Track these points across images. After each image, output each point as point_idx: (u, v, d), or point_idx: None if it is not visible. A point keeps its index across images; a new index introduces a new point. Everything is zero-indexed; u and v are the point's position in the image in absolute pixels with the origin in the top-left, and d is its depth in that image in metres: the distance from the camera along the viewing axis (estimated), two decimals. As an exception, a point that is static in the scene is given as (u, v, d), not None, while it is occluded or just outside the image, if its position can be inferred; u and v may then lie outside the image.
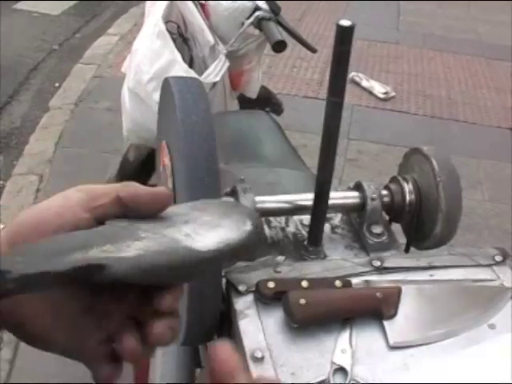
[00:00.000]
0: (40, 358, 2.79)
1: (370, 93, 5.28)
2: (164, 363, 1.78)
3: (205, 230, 0.65)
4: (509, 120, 5.11)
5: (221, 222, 0.67)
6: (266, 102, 3.07)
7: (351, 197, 1.56)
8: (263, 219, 1.53)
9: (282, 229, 1.56)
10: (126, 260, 0.59)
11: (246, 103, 2.81)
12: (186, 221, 0.66)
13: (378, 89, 5.29)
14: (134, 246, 0.61)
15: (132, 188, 0.63)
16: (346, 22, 1.23)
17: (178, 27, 2.56)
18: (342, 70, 1.26)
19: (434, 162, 1.52)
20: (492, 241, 3.60)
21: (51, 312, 0.63)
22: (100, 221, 0.63)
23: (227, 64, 2.40)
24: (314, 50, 2.58)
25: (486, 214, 3.94)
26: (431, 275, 1.36)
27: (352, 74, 5.26)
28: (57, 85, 5.13)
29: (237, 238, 0.66)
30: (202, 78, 2.25)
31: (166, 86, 1.40)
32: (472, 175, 4.24)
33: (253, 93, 2.75)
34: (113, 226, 0.63)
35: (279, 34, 2.26)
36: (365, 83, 5.31)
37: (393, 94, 5.30)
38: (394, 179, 1.59)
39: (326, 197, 1.42)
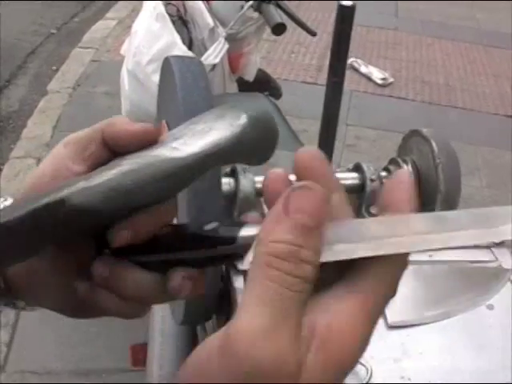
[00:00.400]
0: (37, 341, 2.81)
1: (369, 79, 5.27)
2: (162, 345, 1.79)
3: (195, 139, 0.57)
4: (507, 107, 5.11)
5: (214, 125, 0.59)
6: (265, 85, 3.07)
7: (350, 178, 1.55)
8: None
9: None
10: (89, 189, 0.54)
11: (244, 86, 2.80)
12: (177, 137, 0.58)
13: (377, 75, 5.28)
14: (105, 174, 0.54)
15: (116, 129, 0.58)
16: (347, 2, 1.23)
17: (178, 10, 2.56)
18: (343, 49, 1.27)
19: (434, 144, 1.52)
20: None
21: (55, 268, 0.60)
22: (97, 167, 0.58)
23: (226, 46, 2.40)
24: (313, 34, 2.57)
25: (484, 200, 3.94)
26: (430, 256, 1.37)
27: (350, 60, 5.24)
28: (54, 68, 5.12)
29: (229, 135, 0.58)
30: (201, 60, 2.25)
31: (167, 65, 1.39)
32: (470, 162, 4.24)
33: (250, 75, 2.74)
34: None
35: (279, 16, 2.25)
36: (363, 69, 5.30)
37: (391, 80, 5.29)
38: (393, 161, 1.59)
39: (326, 177, 1.42)
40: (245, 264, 0.51)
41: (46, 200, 0.53)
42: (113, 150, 0.58)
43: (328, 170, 0.52)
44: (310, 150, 0.52)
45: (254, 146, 0.60)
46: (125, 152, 0.57)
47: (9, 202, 0.61)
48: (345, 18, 1.22)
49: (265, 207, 0.52)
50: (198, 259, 0.57)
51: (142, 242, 0.57)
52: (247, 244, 0.52)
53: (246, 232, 0.54)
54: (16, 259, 0.56)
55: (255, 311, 0.43)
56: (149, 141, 0.57)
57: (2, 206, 0.60)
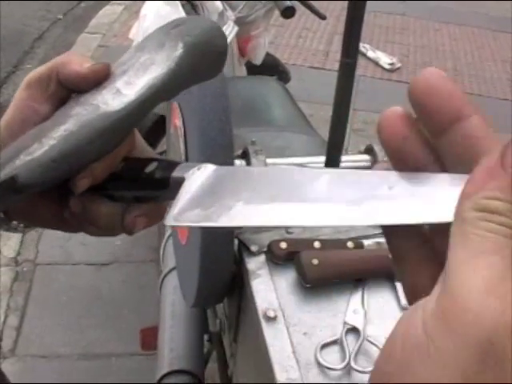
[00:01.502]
0: (46, 326, 2.82)
1: (376, 63, 5.25)
2: (172, 327, 1.79)
3: (137, 77, 0.58)
4: (515, 92, 5.10)
5: (155, 57, 0.59)
6: (274, 69, 3.06)
7: (362, 160, 1.55)
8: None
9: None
10: (34, 162, 0.55)
11: (253, 70, 2.79)
12: (124, 70, 0.59)
13: (384, 60, 5.26)
14: (46, 141, 0.55)
15: (67, 70, 0.59)
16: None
17: (187, -7, 2.55)
18: (356, 30, 1.26)
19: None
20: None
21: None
22: (61, 104, 0.60)
23: (235, 30, 2.39)
24: (323, 17, 2.56)
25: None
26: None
27: (358, 45, 5.23)
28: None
29: (165, 72, 0.57)
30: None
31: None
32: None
33: (258, 59, 2.73)
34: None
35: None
36: (371, 54, 5.28)
37: (399, 65, 5.27)
38: (404, 143, 1.59)
39: (338, 159, 1.42)
40: (168, 220, 0.51)
41: None
42: (69, 88, 0.60)
43: (456, 90, 0.41)
44: (430, 68, 0.42)
45: (195, 72, 0.60)
46: (78, 88, 0.59)
47: None
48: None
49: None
50: (143, 197, 0.62)
51: (103, 180, 0.60)
52: (177, 186, 0.54)
53: (177, 173, 0.56)
54: None
55: (479, 263, 0.34)
56: (99, 80, 0.58)
57: None
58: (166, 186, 0.57)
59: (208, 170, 0.54)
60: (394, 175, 0.43)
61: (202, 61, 0.60)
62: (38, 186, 0.56)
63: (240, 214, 0.47)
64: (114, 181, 0.61)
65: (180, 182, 0.54)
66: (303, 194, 0.45)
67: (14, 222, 0.65)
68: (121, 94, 0.57)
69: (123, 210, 0.61)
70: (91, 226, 0.63)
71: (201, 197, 0.52)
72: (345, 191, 0.44)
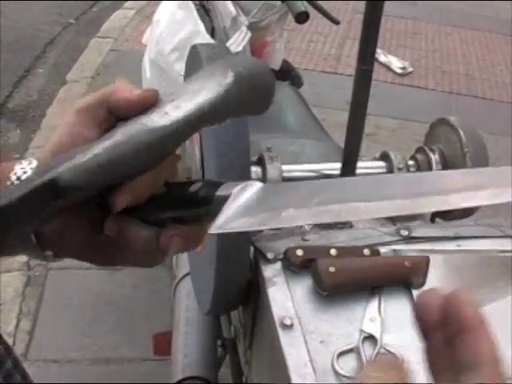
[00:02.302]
0: (58, 330, 2.82)
1: (388, 68, 5.24)
2: (186, 333, 1.79)
3: (186, 102, 0.59)
4: (527, 97, 5.08)
5: (205, 84, 0.60)
6: (287, 74, 3.05)
7: (378, 167, 1.55)
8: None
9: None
10: (78, 166, 0.56)
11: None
12: (173, 98, 0.60)
13: (396, 64, 5.25)
14: (92, 150, 0.57)
15: (117, 98, 0.60)
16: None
17: (200, -2, 2.55)
18: (373, 35, 1.26)
19: (461, 133, 1.51)
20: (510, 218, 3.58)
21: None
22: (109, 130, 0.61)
23: (249, 35, 2.39)
24: (336, 22, 2.55)
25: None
26: (458, 245, 1.36)
27: (369, 50, 5.21)
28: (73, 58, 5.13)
29: (213, 96, 0.58)
30: (223, 49, 2.24)
31: (194, 52, 1.39)
32: (490, 152, 4.18)
33: (276, 64, 2.73)
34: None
35: (302, 4, 2.24)
36: (382, 58, 5.27)
37: (410, 69, 5.27)
38: (420, 149, 1.58)
39: (354, 166, 1.41)
40: (213, 228, 0.55)
41: (38, 182, 0.56)
42: (118, 115, 0.61)
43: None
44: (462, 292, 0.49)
45: (243, 101, 0.61)
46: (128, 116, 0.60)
47: (34, 164, 0.63)
48: (375, 1, 1.21)
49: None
50: (185, 217, 0.62)
51: (143, 201, 0.61)
52: (222, 202, 0.57)
53: (221, 192, 0.58)
54: (18, 235, 0.60)
55: None
56: (148, 106, 0.60)
57: (28, 170, 0.63)
58: (209, 203, 0.58)
59: (255, 186, 0.57)
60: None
61: (250, 92, 0.61)
62: (79, 190, 0.57)
63: (290, 216, 0.51)
64: (154, 202, 0.62)
65: (225, 198, 0.55)
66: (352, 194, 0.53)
67: (47, 252, 0.65)
68: (168, 115, 0.58)
69: (158, 232, 0.61)
70: (125, 252, 0.63)
71: (248, 207, 0.53)
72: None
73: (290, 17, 2.39)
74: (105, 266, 0.67)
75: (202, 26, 2.35)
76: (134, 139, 0.57)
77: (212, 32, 2.47)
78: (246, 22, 2.41)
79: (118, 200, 0.59)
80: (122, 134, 0.57)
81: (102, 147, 0.57)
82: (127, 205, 0.59)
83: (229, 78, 0.59)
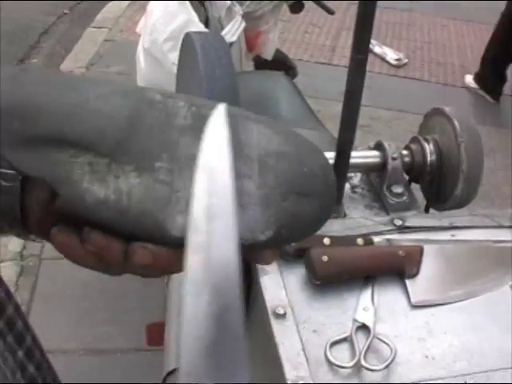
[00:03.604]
0: (51, 320, 2.81)
1: (383, 59, 5.24)
2: (179, 324, 1.78)
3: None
4: (522, 88, 5.07)
5: (250, 204, 0.56)
6: (281, 64, 3.06)
7: (372, 156, 1.54)
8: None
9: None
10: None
11: (260, 65, 2.79)
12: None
13: (391, 55, 5.25)
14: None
15: None
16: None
17: (194, -12, 2.54)
18: (367, 25, 1.25)
19: (456, 123, 1.51)
20: (505, 209, 3.58)
21: None
22: None
23: (243, 24, 2.39)
24: (331, 12, 2.55)
25: (499, 182, 3.92)
26: (453, 235, 1.35)
27: (365, 41, 5.20)
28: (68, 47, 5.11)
29: (241, 238, 0.52)
30: (218, 39, 2.24)
31: (188, 41, 1.38)
32: (485, 143, 4.19)
33: (269, 54, 2.73)
34: None
35: (297, -6, 2.24)
36: (377, 49, 5.27)
37: (405, 60, 5.27)
38: (414, 139, 1.58)
39: (348, 155, 1.41)
40: None
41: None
42: None
43: None
44: None
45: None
46: None
47: None
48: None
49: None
50: None
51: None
52: None
53: None
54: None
55: None
56: None
57: None
58: None
59: None
60: None
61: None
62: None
63: None
64: None
65: None
66: None
67: (31, 236, 0.65)
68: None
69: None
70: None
71: None
72: None
73: (286, 7, 2.39)
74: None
75: (195, 16, 2.34)
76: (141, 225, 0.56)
77: (206, 22, 2.46)
78: (241, 12, 2.41)
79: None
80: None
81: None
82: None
83: (266, 234, 0.57)
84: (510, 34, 4.74)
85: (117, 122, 0.56)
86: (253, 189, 0.57)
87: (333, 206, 0.60)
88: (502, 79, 4.92)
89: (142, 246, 0.56)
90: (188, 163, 0.56)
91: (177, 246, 0.55)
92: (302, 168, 0.59)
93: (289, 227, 0.58)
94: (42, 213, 0.60)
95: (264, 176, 0.58)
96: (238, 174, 0.56)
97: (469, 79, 5.05)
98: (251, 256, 0.58)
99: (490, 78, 4.92)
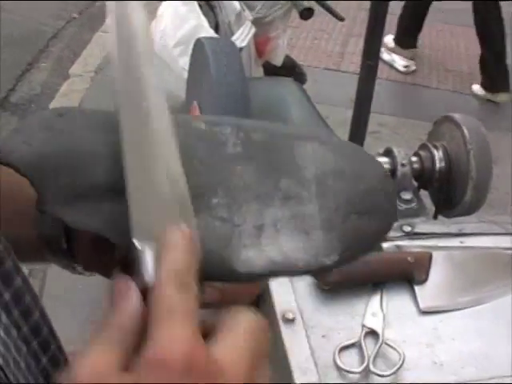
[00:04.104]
0: (60, 322, 2.81)
1: (391, 66, 5.24)
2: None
3: (288, 232, 0.55)
4: (530, 96, 5.06)
5: (313, 228, 0.55)
6: (290, 70, 3.06)
7: (382, 162, 1.55)
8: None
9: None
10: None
11: (270, 71, 2.79)
12: (287, 197, 0.56)
13: (399, 62, 5.24)
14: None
15: None
16: (383, -16, 1.22)
17: (204, -7, 2.55)
18: (378, 32, 1.26)
19: (465, 130, 1.51)
20: (512, 216, 3.57)
21: None
22: None
23: (253, 30, 2.39)
24: (341, 18, 2.55)
25: (507, 188, 3.91)
26: (461, 242, 1.36)
27: (373, 47, 5.20)
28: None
29: (308, 265, 0.54)
30: (228, 44, 2.24)
31: (199, 46, 1.39)
32: (493, 150, 4.19)
33: (278, 60, 2.73)
34: None
35: (306, 1, 2.24)
36: (386, 56, 5.26)
37: (414, 67, 5.26)
38: (423, 146, 1.58)
39: (357, 161, 1.41)
40: None
41: None
42: None
43: None
44: None
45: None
46: None
47: None
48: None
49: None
50: None
51: None
52: None
53: None
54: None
55: None
56: None
57: None
58: None
59: None
60: None
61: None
62: None
63: None
64: None
65: None
66: None
67: (78, 266, 0.64)
68: (254, 248, 0.55)
69: None
70: None
71: None
72: None
73: (295, 13, 2.39)
74: None
75: (205, 21, 2.35)
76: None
77: (216, 27, 2.47)
78: (251, 18, 2.41)
79: None
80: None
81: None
82: None
83: (331, 258, 0.56)
84: None
85: None
86: (314, 212, 0.56)
87: (395, 218, 0.60)
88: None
89: (210, 285, 0.55)
90: (245, 195, 0.56)
91: (243, 280, 0.55)
92: (360, 185, 0.58)
93: (352, 248, 0.57)
94: (92, 247, 0.60)
95: (323, 198, 0.57)
96: (298, 199, 0.56)
97: (476, 88, 5.05)
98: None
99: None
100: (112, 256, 0.59)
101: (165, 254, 0.46)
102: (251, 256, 0.53)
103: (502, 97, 4.89)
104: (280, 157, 0.57)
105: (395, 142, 4.16)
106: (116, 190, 0.53)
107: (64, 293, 2.96)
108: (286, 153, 0.57)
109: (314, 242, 0.56)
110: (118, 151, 0.53)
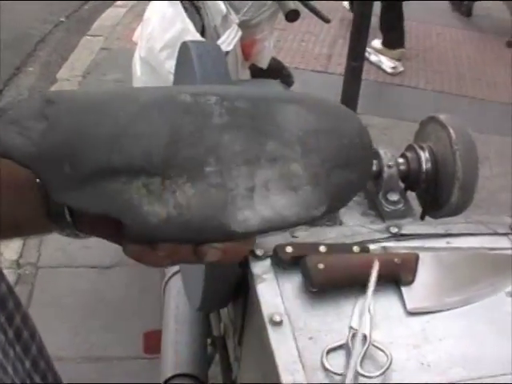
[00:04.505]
0: (48, 329, 2.80)
1: (379, 67, 5.25)
2: (176, 332, 1.79)
3: (277, 191, 0.60)
4: (517, 96, 5.08)
5: (300, 185, 0.61)
6: (277, 73, 3.06)
7: (368, 164, 1.55)
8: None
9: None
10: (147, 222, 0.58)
11: (256, 73, 2.80)
12: (273, 159, 0.60)
13: (387, 63, 5.26)
14: (171, 204, 0.58)
15: None
16: (366, -14, 1.22)
17: (190, -4, 2.54)
18: (363, 34, 1.26)
19: (451, 131, 1.52)
20: (500, 216, 3.58)
21: None
22: None
23: (240, 33, 2.39)
24: (327, 20, 2.55)
25: (494, 189, 3.92)
26: (448, 242, 1.36)
27: (360, 49, 5.21)
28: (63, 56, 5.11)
29: (299, 218, 0.61)
30: (214, 47, 2.24)
31: (185, 50, 1.38)
32: (480, 151, 4.18)
33: (264, 63, 2.73)
34: None
35: (292, 3, 2.24)
36: (373, 58, 5.28)
37: (401, 68, 5.27)
38: (410, 147, 1.59)
39: (344, 163, 1.41)
40: None
41: None
42: None
43: None
44: None
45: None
46: None
47: None
48: (365, 1, 1.21)
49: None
50: None
51: None
52: None
53: None
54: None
55: None
56: None
57: None
58: None
59: None
60: None
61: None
62: None
63: None
64: None
65: None
66: None
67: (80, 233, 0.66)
68: (249, 202, 0.60)
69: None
70: None
71: None
72: None
73: (281, 15, 2.39)
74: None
75: (190, 25, 2.34)
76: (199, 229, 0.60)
77: (202, 30, 2.47)
78: (237, 21, 2.41)
79: None
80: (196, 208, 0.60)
81: (176, 211, 0.59)
82: None
83: (321, 209, 0.62)
84: None
85: (160, 140, 0.58)
86: (300, 171, 0.61)
87: (371, 168, 0.66)
88: None
89: (211, 246, 0.61)
90: (234, 161, 0.60)
91: (242, 239, 0.61)
92: (341, 141, 0.63)
93: (338, 198, 0.63)
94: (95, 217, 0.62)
95: (308, 156, 0.61)
96: (284, 159, 0.61)
97: (375, 42, 5.25)
98: None
99: None
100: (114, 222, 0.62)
101: None
102: (247, 216, 0.59)
103: (398, 53, 5.36)
104: (264, 121, 0.61)
105: (383, 142, 4.15)
106: (117, 169, 0.57)
107: (52, 299, 2.96)
108: (269, 117, 0.61)
109: (303, 197, 0.61)
110: (112, 129, 0.57)
